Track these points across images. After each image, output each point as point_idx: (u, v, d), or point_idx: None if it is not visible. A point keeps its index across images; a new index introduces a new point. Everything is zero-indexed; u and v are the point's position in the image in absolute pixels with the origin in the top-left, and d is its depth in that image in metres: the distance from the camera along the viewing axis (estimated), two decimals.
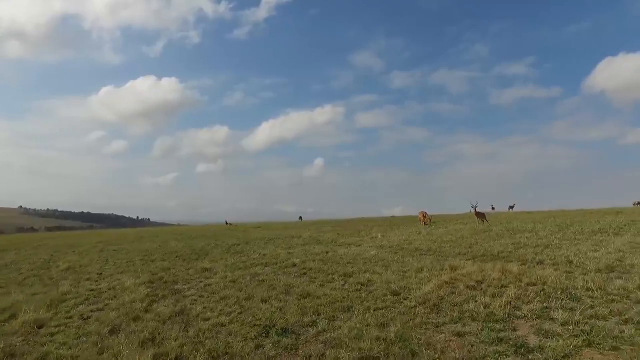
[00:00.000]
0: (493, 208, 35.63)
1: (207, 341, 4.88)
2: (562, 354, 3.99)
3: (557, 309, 5.28)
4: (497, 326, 4.88)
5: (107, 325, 5.75)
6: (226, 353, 4.57)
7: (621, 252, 9.03)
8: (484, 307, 5.55)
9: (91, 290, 8.73)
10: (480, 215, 19.56)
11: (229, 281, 8.72)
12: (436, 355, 4.17)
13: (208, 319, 5.96)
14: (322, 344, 4.68)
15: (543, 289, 6.26)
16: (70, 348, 4.94)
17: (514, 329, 4.79)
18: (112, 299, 7.68)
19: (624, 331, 4.37)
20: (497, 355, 4.12)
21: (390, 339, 4.57)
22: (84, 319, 6.33)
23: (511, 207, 35.96)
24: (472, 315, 5.33)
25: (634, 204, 33.99)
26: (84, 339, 5.28)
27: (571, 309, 5.25)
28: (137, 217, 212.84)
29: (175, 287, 8.65)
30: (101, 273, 11.05)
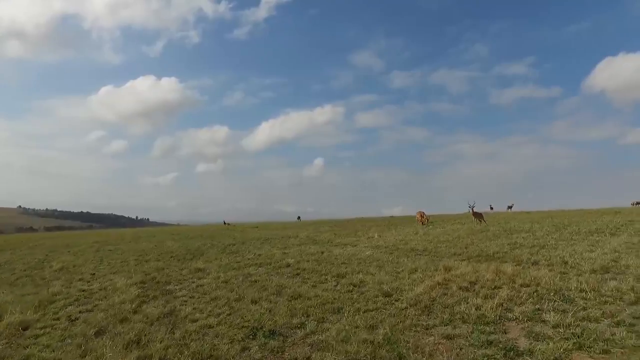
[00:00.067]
0: (492, 208, 35.52)
1: (192, 343, 4.80)
2: (551, 358, 3.92)
3: (550, 311, 5.20)
4: (488, 329, 4.80)
5: (94, 327, 5.67)
6: (211, 356, 4.49)
7: (617, 253, 8.95)
8: (476, 309, 5.47)
9: (82, 290, 8.66)
10: (478, 216, 19.49)
11: (221, 282, 8.64)
12: (424, 359, 4.09)
13: (196, 321, 5.88)
14: (309, 347, 4.60)
15: (536, 291, 6.18)
16: (53, 351, 4.86)
17: (505, 332, 4.71)
18: (102, 300, 7.61)
19: (615, 334, 4.29)
20: (485, 358, 4.04)
21: (378, 342, 4.49)
22: (72, 321, 6.25)
23: (510, 207, 35.88)
24: (463, 317, 5.25)
25: (633, 204, 33.91)
26: (69, 341, 5.19)
27: (563, 311, 5.17)
28: (137, 217, 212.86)
29: (167, 287, 8.57)
30: (94, 273, 10.97)
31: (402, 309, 5.77)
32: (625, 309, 5.06)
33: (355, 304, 6.22)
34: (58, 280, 9.92)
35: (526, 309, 5.36)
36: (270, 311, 6.05)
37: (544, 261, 8.64)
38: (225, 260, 11.99)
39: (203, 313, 6.31)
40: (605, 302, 5.42)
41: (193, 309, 6.61)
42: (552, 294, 5.96)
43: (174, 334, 5.25)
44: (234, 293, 7.43)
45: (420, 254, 10.94)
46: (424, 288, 6.73)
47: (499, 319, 5.11)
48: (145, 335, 5.22)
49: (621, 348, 3.97)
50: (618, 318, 4.76)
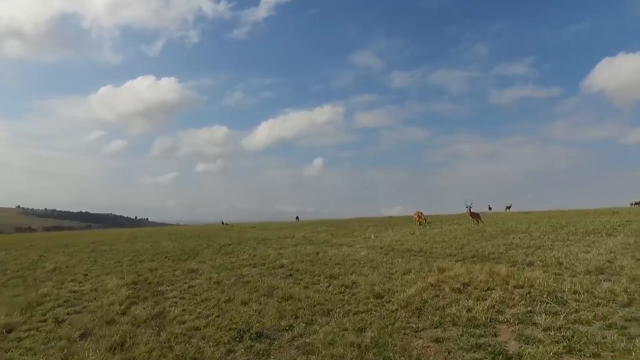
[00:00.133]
0: (490, 208, 35.50)
1: (177, 346, 4.72)
2: None
3: (541, 313, 5.11)
4: (478, 331, 4.72)
5: (79, 329, 5.59)
6: (195, 359, 4.41)
7: (612, 254, 8.87)
8: (467, 311, 5.38)
9: (73, 292, 8.57)
10: (475, 216, 19.39)
11: (213, 283, 8.56)
12: None
13: (184, 322, 5.80)
14: (296, 350, 4.52)
15: (529, 292, 6.10)
16: (35, 354, 4.78)
17: (495, 335, 4.63)
18: (92, 301, 7.52)
19: (606, 337, 4.21)
20: None
21: (366, 345, 4.41)
22: (58, 323, 6.16)
23: (508, 208, 35.80)
24: (453, 319, 5.16)
25: (632, 204, 33.86)
26: (53, 344, 5.11)
27: (555, 313, 5.08)
28: (136, 217, 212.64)
29: (159, 288, 8.49)
30: (87, 274, 10.88)
31: (393, 311, 5.69)
32: (617, 311, 4.98)
33: (346, 305, 6.14)
34: (50, 281, 9.84)
35: (518, 311, 5.28)
36: (259, 313, 5.97)
37: (539, 262, 8.56)
38: (220, 260, 11.90)
39: (192, 315, 6.23)
40: (598, 304, 5.34)
41: (182, 310, 6.53)
42: (545, 295, 5.88)
43: (159, 337, 5.16)
44: (224, 294, 7.36)
45: (415, 255, 10.86)
46: (415, 289, 6.65)
47: (490, 321, 5.02)
48: (130, 337, 5.14)
49: (612, 352, 3.89)
50: (610, 320, 4.68)
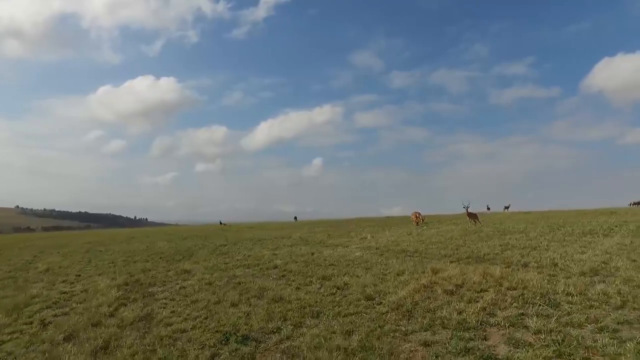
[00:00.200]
0: (489, 208, 35.43)
1: (160, 349, 4.63)
2: None
3: (533, 316, 5.02)
4: (468, 335, 4.62)
5: (64, 332, 5.50)
6: None
7: (608, 255, 8.78)
8: (458, 314, 5.29)
9: (63, 293, 8.48)
10: (472, 216, 19.31)
11: (205, 284, 8.47)
12: None
13: (171, 325, 5.71)
14: (281, 353, 4.43)
15: (522, 294, 6.00)
16: (15, 358, 4.69)
17: (485, 338, 4.53)
18: (81, 303, 7.43)
19: (597, 340, 4.12)
20: None
21: (352, 349, 4.32)
22: (44, 325, 6.07)
23: (506, 208, 35.72)
24: (443, 322, 5.07)
25: (631, 205, 33.79)
26: (35, 347, 5.02)
27: (547, 316, 4.99)
28: (135, 217, 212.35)
29: (150, 289, 8.40)
30: (80, 275, 10.78)
31: (383, 313, 5.59)
32: (610, 314, 4.89)
33: (336, 307, 6.05)
34: (41, 282, 9.74)
35: (509, 314, 5.19)
36: (247, 315, 5.88)
37: (534, 263, 8.47)
38: (214, 261, 11.81)
39: (180, 316, 6.14)
40: (591, 307, 5.24)
41: (171, 312, 6.44)
42: (538, 297, 5.78)
43: (144, 339, 5.07)
44: (215, 295, 7.26)
45: (410, 256, 10.77)
46: (407, 291, 6.56)
47: (481, 324, 4.93)
48: (115, 340, 5.06)
49: (602, 356, 3.80)
50: (602, 323, 4.58)
